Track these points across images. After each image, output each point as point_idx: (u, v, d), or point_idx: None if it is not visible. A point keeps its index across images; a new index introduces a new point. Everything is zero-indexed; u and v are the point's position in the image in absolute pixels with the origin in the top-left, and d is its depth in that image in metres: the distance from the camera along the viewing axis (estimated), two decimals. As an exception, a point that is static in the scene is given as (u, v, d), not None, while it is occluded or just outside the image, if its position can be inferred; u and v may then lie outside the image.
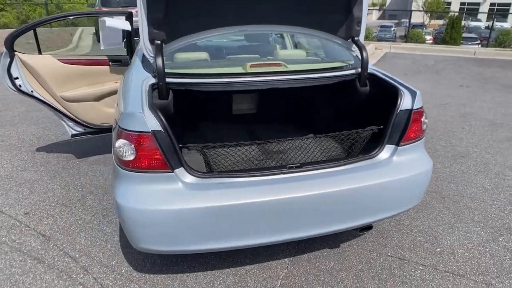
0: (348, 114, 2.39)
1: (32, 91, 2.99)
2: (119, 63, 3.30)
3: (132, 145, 1.58)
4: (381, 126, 1.94)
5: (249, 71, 2.03)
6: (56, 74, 3.04)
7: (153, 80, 1.91)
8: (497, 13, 29.30)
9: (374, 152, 1.90)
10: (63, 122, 3.33)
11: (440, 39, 16.55)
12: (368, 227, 2.00)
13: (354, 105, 2.30)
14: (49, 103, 3.11)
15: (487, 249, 2.28)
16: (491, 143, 4.02)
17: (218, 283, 2.03)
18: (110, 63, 3.28)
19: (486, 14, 31.55)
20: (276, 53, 2.53)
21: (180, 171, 1.64)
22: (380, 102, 2.12)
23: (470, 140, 4.10)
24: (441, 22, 29.18)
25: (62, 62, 3.07)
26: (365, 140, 1.96)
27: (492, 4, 34.48)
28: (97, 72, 3.22)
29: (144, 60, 2.12)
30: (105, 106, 3.34)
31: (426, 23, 28.30)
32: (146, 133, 1.57)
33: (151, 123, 1.57)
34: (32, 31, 2.98)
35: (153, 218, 1.58)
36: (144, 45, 1.96)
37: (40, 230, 2.52)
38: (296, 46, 3.03)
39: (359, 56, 2.29)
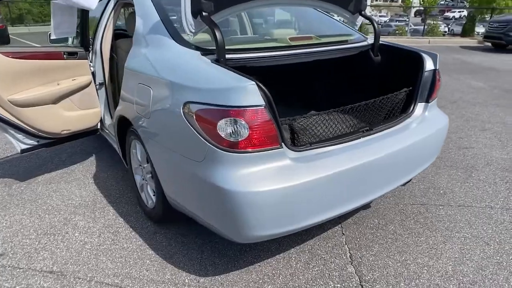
0: (363, 84, 2.58)
1: (-32, 98, 2.26)
2: (75, 56, 2.76)
3: (245, 122, 1.41)
4: (410, 88, 2.19)
5: (292, 44, 2.01)
6: (1, 72, 2.36)
7: (205, 58, 1.72)
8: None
9: (411, 110, 2.14)
10: (8, 136, 2.61)
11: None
12: (409, 180, 2.24)
13: (368, 74, 2.50)
14: (-8, 111, 2.40)
15: (472, 184, 2.81)
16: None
17: (294, 262, 1.98)
18: (64, 56, 2.71)
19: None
20: (276, 32, 2.54)
21: (284, 146, 1.54)
22: (393, 69, 2.38)
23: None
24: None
25: (6, 56, 2.40)
26: (403, 101, 2.17)
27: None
28: (50, 67, 2.62)
29: (175, 36, 1.86)
30: (64, 110, 2.75)
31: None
32: (260, 107, 1.42)
33: (261, 95, 1.43)
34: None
35: (272, 199, 1.45)
36: (186, 19, 1.73)
37: (39, 267, 1.96)
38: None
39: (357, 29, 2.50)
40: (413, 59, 2.23)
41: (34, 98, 2.54)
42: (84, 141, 3.76)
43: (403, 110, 2.16)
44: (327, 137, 1.77)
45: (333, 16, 2.77)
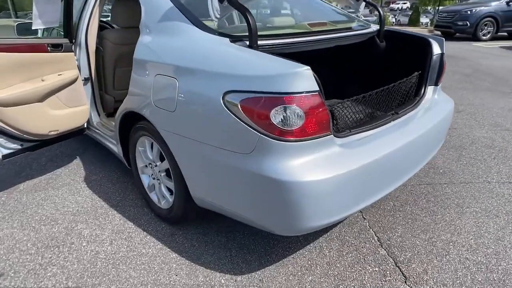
0: (370, 70, 2.59)
1: None
2: (59, 49, 2.49)
3: (300, 109, 1.34)
4: (419, 71, 2.24)
5: (313, 30, 1.96)
6: (-21, 68, 2.06)
7: (236, 45, 1.61)
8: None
9: (422, 93, 2.19)
10: (-13, 140, 2.30)
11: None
12: None
13: (374, 60, 2.52)
14: (-31, 113, 2.09)
15: (465, 162, 2.97)
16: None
17: (327, 251, 1.96)
18: (48, 48, 2.43)
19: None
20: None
21: (332, 133, 1.50)
22: (399, 54, 2.42)
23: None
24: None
25: (-17, 49, 2.10)
26: (415, 85, 2.22)
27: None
28: (34, 61, 2.34)
29: (196, 23, 1.72)
30: (51, 108, 2.48)
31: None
32: (315, 93, 1.36)
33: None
34: None
35: (328, 188, 1.40)
36: (212, 4, 1.62)
37: (51, 285, 1.76)
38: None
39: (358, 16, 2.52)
40: (420, 44, 2.28)
41: (18, 96, 2.25)
42: (62, 143, 3.45)
43: (416, 93, 2.21)
44: (359, 122, 1.76)
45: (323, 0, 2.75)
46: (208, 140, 1.56)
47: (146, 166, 2.25)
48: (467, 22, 10.22)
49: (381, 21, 2.41)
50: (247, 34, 1.71)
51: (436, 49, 2.24)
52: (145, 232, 2.14)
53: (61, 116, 2.54)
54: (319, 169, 1.40)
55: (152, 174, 2.21)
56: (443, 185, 2.61)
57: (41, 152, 3.26)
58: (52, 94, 2.46)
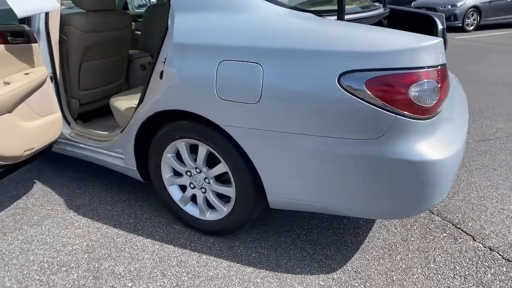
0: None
1: None
2: (21, 39, 1.86)
3: (436, 84, 1.24)
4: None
5: (359, 5, 1.87)
6: None
7: (324, 19, 1.43)
8: None
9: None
10: None
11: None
12: None
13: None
14: None
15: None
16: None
17: (393, 228, 1.95)
18: (9, 38, 1.79)
19: None
20: None
21: None
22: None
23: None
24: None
25: None
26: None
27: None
28: (-8, 58, 1.70)
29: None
30: (22, 120, 1.86)
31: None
32: (444, 65, 1.28)
33: None
34: None
35: (455, 161, 1.38)
36: None
37: None
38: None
39: None
40: (424, 20, 2.42)
41: (-19, 108, 1.61)
42: None
43: None
44: None
45: None
46: (314, 131, 1.37)
47: (177, 175, 1.88)
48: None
49: (384, 0, 2.46)
50: (318, 9, 1.54)
51: (439, 25, 2.41)
52: (196, 252, 1.80)
53: (34, 129, 1.93)
54: (447, 144, 1.37)
55: (190, 184, 1.85)
56: (437, 150, 2.88)
57: (-21, 183, 2.45)
58: (22, 101, 1.84)
